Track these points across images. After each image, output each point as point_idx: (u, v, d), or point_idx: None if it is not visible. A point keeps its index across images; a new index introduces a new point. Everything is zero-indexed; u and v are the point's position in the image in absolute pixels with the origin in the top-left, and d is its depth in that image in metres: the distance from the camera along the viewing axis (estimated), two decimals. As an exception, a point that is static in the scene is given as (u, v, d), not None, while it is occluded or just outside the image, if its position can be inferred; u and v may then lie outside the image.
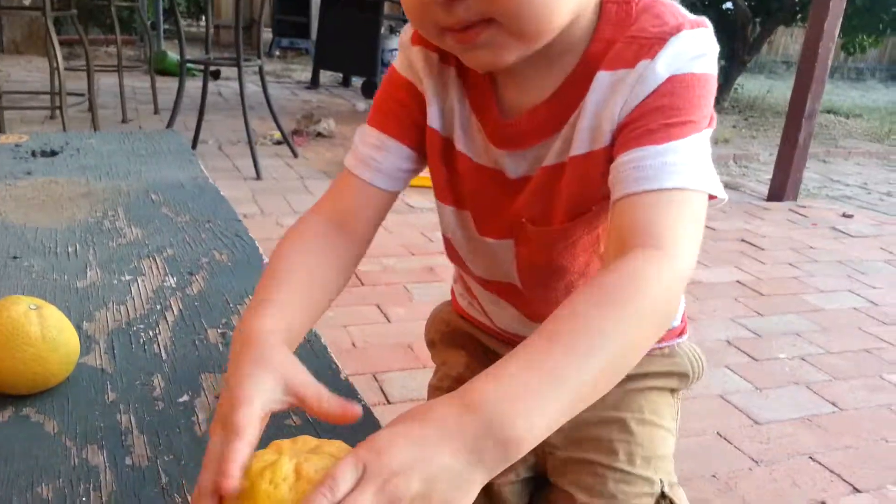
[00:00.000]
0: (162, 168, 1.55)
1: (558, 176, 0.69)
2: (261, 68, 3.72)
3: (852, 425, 1.98)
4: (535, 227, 0.73)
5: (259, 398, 0.50)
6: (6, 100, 4.04)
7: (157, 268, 1.04)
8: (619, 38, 0.65)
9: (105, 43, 7.68)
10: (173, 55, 6.85)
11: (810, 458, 1.81)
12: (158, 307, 0.92)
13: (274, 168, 3.91)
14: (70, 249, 1.09)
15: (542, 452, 0.85)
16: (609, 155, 0.65)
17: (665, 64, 0.62)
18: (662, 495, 0.81)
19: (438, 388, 0.95)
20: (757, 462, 1.78)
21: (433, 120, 0.74)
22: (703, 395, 2.04)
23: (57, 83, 3.57)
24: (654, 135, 0.61)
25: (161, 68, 6.30)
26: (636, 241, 0.57)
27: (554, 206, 0.71)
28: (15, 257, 1.05)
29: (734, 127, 6.68)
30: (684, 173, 0.60)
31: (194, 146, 3.87)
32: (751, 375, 2.19)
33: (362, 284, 2.57)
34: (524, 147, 0.71)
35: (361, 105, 6.06)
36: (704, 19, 0.66)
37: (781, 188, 4.15)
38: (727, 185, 4.49)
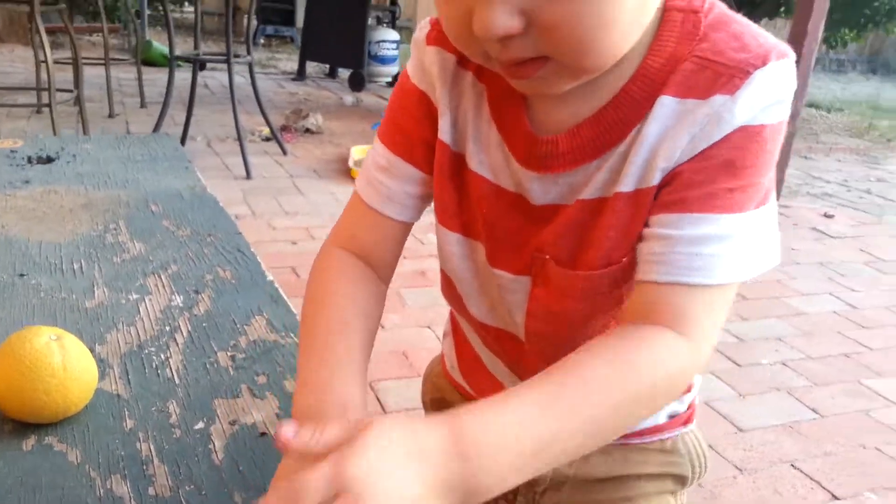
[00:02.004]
0: (159, 176, 1.55)
1: (598, 212, 0.59)
2: (250, 65, 3.73)
3: (832, 432, 2.04)
4: (559, 267, 0.62)
5: None
6: (-8, 94, 3.99)
7: (163, 286, 1.05)
8: (684, 54, 0.55)
9: (88, 31, 7.60)
10: (158, 45, 6.80)
11: (791, 465, 1.87)
12: (168, 328, 0.94)
13: (263, 166, 3.92)
14: (76, 266, 1.09)
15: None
16: (655, 195, 0.56)
17: (746, 105, 0.52)
18: None
19: None
20: (741, 470, 1.84)
21: (444, 132, 0.65)
22: (688, 400, 2.09)
23: (44, 77, 3.55)
24: (712, 201, 0.53)
25: (145, 58, 6.24)
26: (662, 321, 0.53)
27: (586, 248, 0.60)
28: (22, 275, 1.06)
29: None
30: (734, 263, 0.53)
31: (183, 142, 3.87)
32: (734, 381, 2.25)
33: (354, 288, 2.60)
34: (558, 170, 0.60)
35: (349, 98, 6.07)
36: (787, 47, 0.55)
37: (765, 189, 4.22)
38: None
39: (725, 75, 0.53)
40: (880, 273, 3.32)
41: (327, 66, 7.26)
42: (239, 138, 3.71)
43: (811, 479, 1.82)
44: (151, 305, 0.99)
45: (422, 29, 0.66)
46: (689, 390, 0.75)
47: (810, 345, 2.54)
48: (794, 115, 4.20)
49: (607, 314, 0.62)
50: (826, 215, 4.15)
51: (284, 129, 4.63)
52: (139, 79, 5.07)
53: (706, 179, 0.53)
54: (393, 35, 6.79)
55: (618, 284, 0.60)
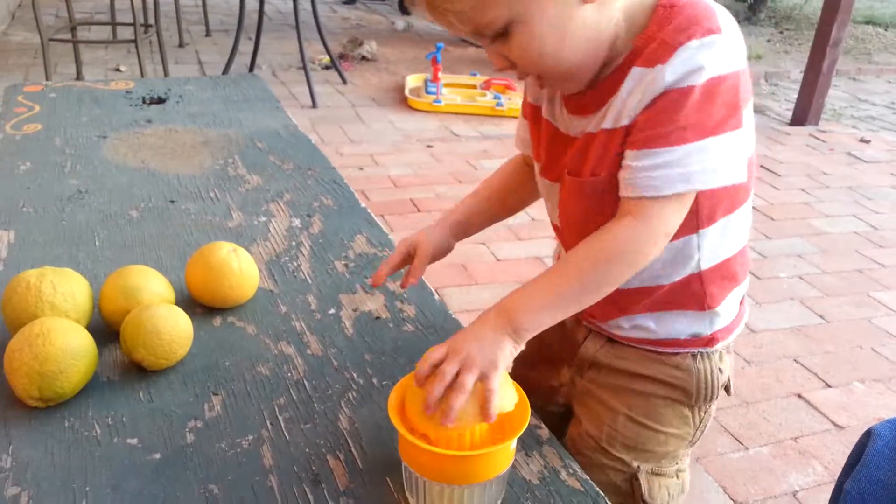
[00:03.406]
0: (256, 116, 1.82)
1: (591, 141, 0.82)
2: (313, 2, 3.94)
3: (834, 335, 2.31)
4: (569, 176, 0.87)
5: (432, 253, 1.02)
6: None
7: (283, 210, 1.35)
8: (658, 35, 0.74)
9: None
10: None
11: (794, 360, 2.16)
12: (294, 243, 1.24)
13: (326, 95, 4.15)
14: (212, 195, 1.39)
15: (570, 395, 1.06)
16: (624, 136, 0.78)
17: (671, 72, 0.72)
18: (634, 477, 0.96)
19: None
20: (749, 362, 2.13)
21: (530, 96, 0.96)
22: (710, 308, 2.36)
23: (118, 6, 3.75)
24: (655, 141, 0.74)
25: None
26: (626, 215, 0.78)
27: (584, 163, 0.84)
28: (172, 201, 1.36)
29: (769, 41, 6.66)
30: (676, 181, 0.74)
31: (251, 70, 4.14)
32: (753, 292, 2.51)
33: (419, 211, 2.91)
34: (586, 114, 0.84)
35: (400, 23, 6.20)
36: (717, 25, 0.72)
37: (804, 113, 4.33)
38: (753, 108, 4.62)
39: (666, 49, 0.72)
40: (906, 196, 3.48)
41: (377, -13, 7.34)
42: (305, 70, 3.95)
43: (810, 371, 2.11)
44: (277, 226, 1.30)
45: None
46: (712, 316, 0.92)
47: (827, 261, 2.76)
48: (834, 43, 4.27)
49: (611, 210, 0.82)
50: (862, 140, 4.24)
51: (342, 57, 4.85)
52: (204, 7, 5.31)
53: (648, 126, 0.75)
54: (442, -43, 6.82)
55: (602, 188, 0.82)
